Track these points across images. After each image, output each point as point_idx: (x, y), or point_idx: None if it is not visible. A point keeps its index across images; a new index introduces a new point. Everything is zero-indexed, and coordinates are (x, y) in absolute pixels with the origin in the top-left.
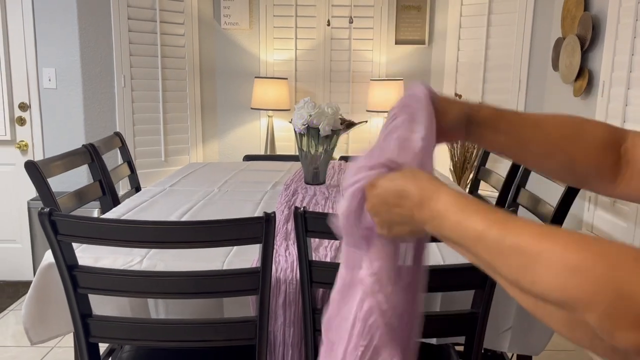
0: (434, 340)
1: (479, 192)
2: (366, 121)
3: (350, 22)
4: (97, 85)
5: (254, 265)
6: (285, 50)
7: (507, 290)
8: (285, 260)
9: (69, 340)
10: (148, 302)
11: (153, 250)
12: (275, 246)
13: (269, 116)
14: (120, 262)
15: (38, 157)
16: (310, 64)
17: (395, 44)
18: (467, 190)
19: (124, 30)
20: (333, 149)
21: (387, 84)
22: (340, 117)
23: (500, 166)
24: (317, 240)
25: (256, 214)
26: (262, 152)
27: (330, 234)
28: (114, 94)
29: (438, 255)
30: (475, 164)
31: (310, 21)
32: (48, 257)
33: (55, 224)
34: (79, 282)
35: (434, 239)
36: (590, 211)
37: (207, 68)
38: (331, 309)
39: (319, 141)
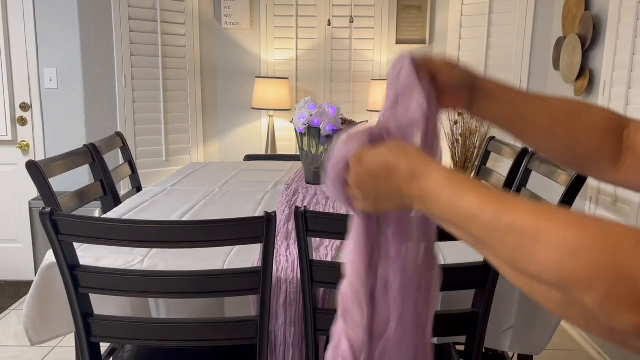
0: (434, 340)
1: None
2: (367, 121)
3: (351, 21)
4: (98, 85)
5: (254, 265)
6: (286, 50)
7: (500, 270)
8: (286, 260)
9: (70, 340)
10: (149, 302)
11: (154, 250)
12: (276, 246)
13: (269, 116)
14: (121, 261)
15: (39, 157)
16: (311, 63)
17: (396, 43)
18: None
19: (124, 30)
20: None
21: None
22: (341, 116)
23: (501, 166)
24: (318, 239)
25: (257, 214)
26: (263, 152)
27: (331, 234)
28: (115, 94)
29: (438, 254)
30: (476, 163)
31: (311, 21)
32: (49, 256)
33: (57, 224)
34: (80, 282)
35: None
36: (592, 210)
37: (208, 68)
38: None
39: (320, 141)
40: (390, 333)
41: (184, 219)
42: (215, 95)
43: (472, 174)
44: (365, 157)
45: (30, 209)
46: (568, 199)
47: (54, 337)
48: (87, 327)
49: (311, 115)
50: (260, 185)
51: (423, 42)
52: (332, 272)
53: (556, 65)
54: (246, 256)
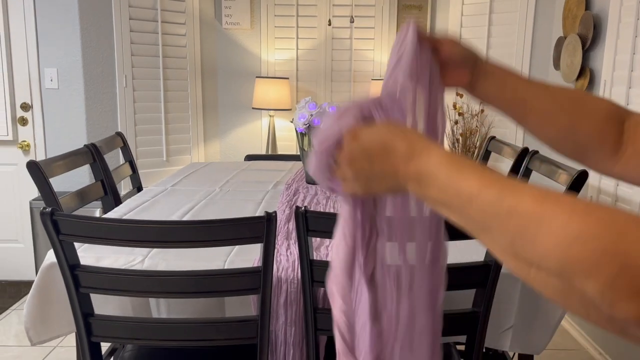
0: None
1: None
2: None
3: (352, 21)
4: (98, 85)
5: (255, 265)
6: (286, 50)
7: (497, 255)
8: (287, 260)
9: (71, 339)
10: (150, 302)
11: (155, 250)
12: (276, 245)
13: (270, 116)
14: (122, 261)
15: (40, 157)
16: (312, 63)
17: None
18: None
19: (125, 30)
20: None
21: None
22: None
23: (501, 166)
24: (318, 239)
25: (257, 214)
26: (263, 152)
27: (331, 234)
28: (116, 94)
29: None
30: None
31: (312, 21)
32: (50, 256)
33: (57, 224)
34: (80, 282)
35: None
36: None
37: (208, 68)
38: None
39: None
40: (395, 313)
41: (185, 218)
42: (215, 95)
43: None
44: (361, 134)
45: (31, 208)
46: None
47: (55, 337)
48: (88, 327)
49: (312, 115)
50: (260, 185)
51: None
52: None
53: (556, 65)
54: (246, 256)
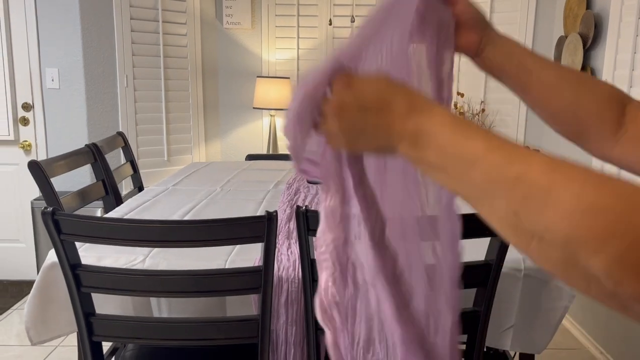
0: None
1: None
2: None
3: (352, 21)
4: (99, 85)
5: (256, 264)
6: (287, 49)
7: (493, 224)
8: (288, 259)
9: (72, 339)
10: (151, 301)
11: (156, 249)
12: (277, 245)
13: (271, 115)
14: (123, 261)
15: (41, 157)
16: (313, 63)
17: None
18: None
19: (126, 30)
20: None
21: None
22: None
23: None
24: None
25: (258, 213)
26: (264, 152)
27: None
28: (117, 94)
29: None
30: None
31: (313, 20)
32: (51, 256)
33: (59, 224)
34: (82, 281)
35: None
36: None
37: (209, 68)
38: None
39: None
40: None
41: (186, 218)
42: (216, 94)
43: None
44: (356, 82)
45: (32, 208)
46: None
47: (55, 337)
48: (89, 326)
49: None
50: (261, 185)
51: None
52: None
53: None
54: (247, 255)
